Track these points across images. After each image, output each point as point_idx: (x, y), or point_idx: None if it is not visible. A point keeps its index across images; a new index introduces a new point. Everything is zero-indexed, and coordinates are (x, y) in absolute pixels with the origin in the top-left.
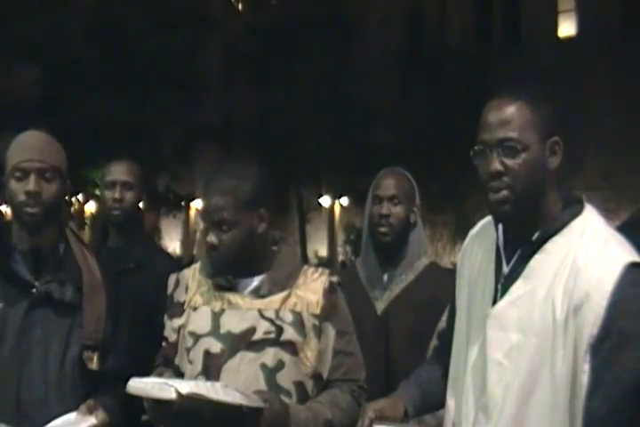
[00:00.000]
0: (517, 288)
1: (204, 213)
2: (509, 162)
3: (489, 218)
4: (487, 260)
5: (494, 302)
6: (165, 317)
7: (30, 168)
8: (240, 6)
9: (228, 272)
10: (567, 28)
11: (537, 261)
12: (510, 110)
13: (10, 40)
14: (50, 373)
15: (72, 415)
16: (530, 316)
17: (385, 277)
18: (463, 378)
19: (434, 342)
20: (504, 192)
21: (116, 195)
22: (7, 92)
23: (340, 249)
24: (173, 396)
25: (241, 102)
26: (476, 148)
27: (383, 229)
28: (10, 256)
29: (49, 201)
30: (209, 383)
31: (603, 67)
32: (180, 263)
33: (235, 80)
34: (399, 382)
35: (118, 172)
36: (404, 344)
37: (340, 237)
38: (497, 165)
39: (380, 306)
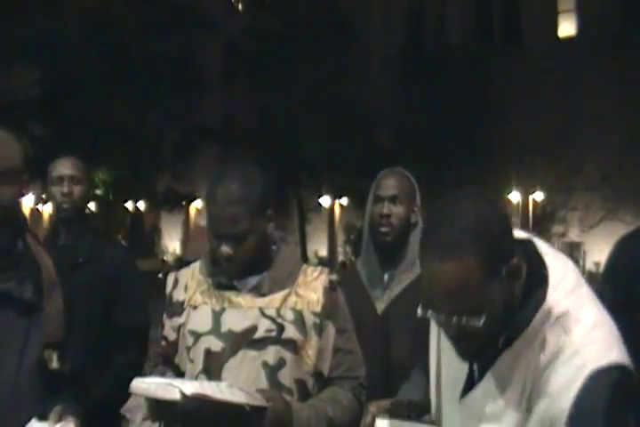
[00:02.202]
0: (488, 380)
1: (215, 225)
2: (471, 327)
3: None
4: None
5: (470, 380)
6: (164, 316)
7: None
8: (240, 7)
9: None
10: (567, 28)
11: (506, 356)
12: (458, 278)
13: (10, 41)
14: (6, 376)
15: (38, 425)
16: (502, 410)
17: (385, 276)
18: None
19: None
20: (475, 348)
21: (65, 189)
22: (7, 93)
23: (340, 249)
24: (178, 397)
25: (241, 103)
26: (425, 310)
27: (384, 229)
28: None
29: (7, 205)
30: (214, 383)
31: (603, 67)
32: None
33: (234, 80)
34: (399, 382)
35: (64, 167)
36: (405, 344)
37: (340, 237)
38: (457, 333)
39: (381, 306)
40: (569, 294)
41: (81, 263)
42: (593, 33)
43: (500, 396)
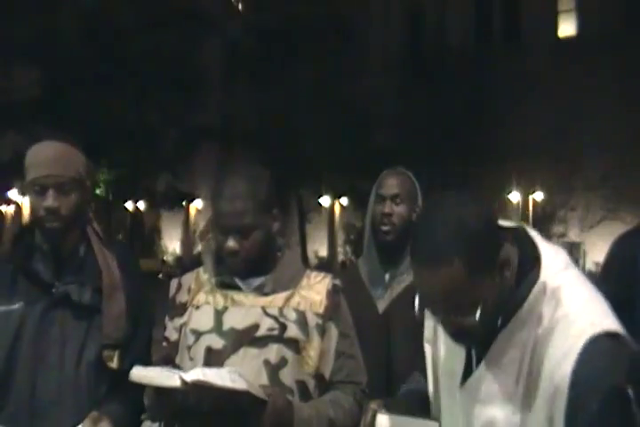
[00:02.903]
0: (488, 361)
1: (221, 220)
2: (466, 322)
3: None
4: None
5: (469, 367)
6: (166, 318)
7: (48, 183)
8: (240, 6)
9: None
10: (567, 28)
11: (502, 338)
12: (448, 283)
13: (10, 41)
14: (65, 373)
15: None
16: (504, 391)
17: (387, 276)
18: None
19: None
20: (473, 339)
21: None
22: (7, 92)
23: (339, 249)
24: (178, 383)
25: (241, 102)
26: (421, 312)
27: (385, 228)
28: (32, 256)
29: (69, 213)
30: (214, 370)
31: (603, 67)
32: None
33: (235, 80)
34: (400, 382)
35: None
36: (406, 343)
37: (340, 237)
38: (454, 330)
39: (382, 305)
40: (561, 271)
41: None
42: (593, 33)
43: (497, 377)
